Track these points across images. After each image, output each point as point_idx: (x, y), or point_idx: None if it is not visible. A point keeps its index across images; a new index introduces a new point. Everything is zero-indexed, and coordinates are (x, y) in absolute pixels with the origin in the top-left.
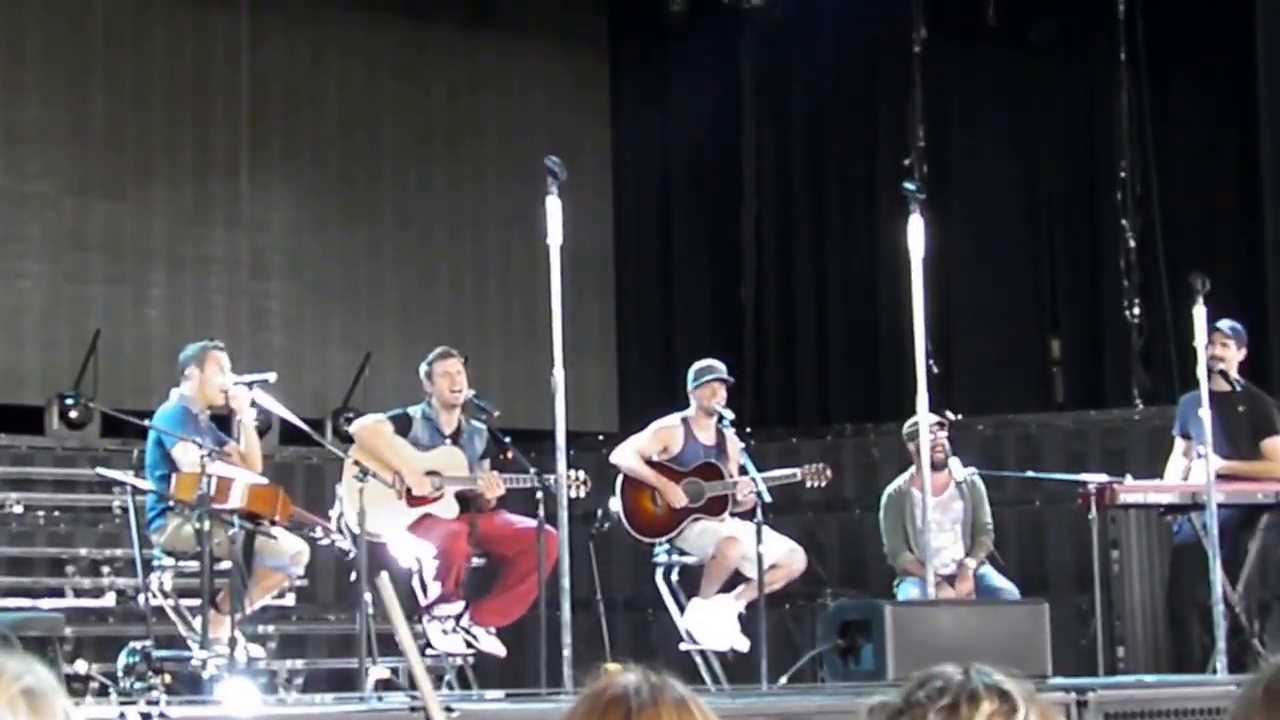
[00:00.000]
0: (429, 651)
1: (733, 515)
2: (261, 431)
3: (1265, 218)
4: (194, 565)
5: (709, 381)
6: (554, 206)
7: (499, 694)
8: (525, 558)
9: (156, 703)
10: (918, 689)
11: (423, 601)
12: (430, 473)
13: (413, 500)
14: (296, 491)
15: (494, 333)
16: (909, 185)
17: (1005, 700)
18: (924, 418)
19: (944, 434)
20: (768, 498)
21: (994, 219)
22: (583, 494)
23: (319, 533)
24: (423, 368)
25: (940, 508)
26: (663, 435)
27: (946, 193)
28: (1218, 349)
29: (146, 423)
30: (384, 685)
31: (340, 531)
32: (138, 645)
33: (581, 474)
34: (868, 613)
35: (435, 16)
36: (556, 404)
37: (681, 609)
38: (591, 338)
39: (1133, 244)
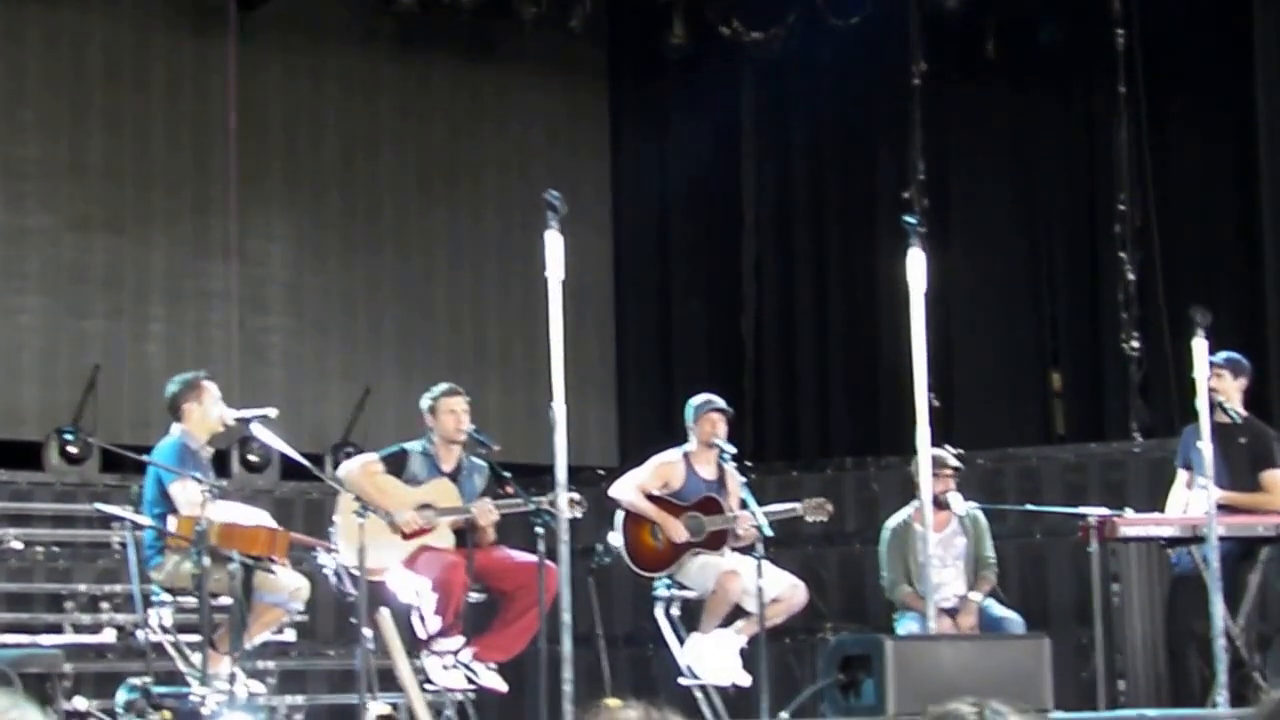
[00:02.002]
0: (429, 687)
1: (733, 550)
2: (261, 467)
3: (1265, 250)
4: (193, 601)
5: (706, 413)
6: (554, 241)
7: None
8: (525, 593)
9: None
10: None
11: (422, 636)
12: (423, 506)
13: (407, 534)
14: (297, 526)
15: (493, 367)
16: (909, 219)
17: None
18: (924, 451)
19: (953, 477)
20: (768, 532)
21: (994, 253)
22: (579, 514)
23: (320, 554)
24: (425, 402)
25: (943, 544)
26: (663, 470)
27: (946, 226)
28: (1213, 380)
29: (145, 458)
30: None
31: (335, 556)
32: (137, 681)
33: (576, 494)
34: (868, 647)
35: (434, 50)
36: (556, 438)
37: (682, 644)
38: (591, 372)
39: (1132, 277)
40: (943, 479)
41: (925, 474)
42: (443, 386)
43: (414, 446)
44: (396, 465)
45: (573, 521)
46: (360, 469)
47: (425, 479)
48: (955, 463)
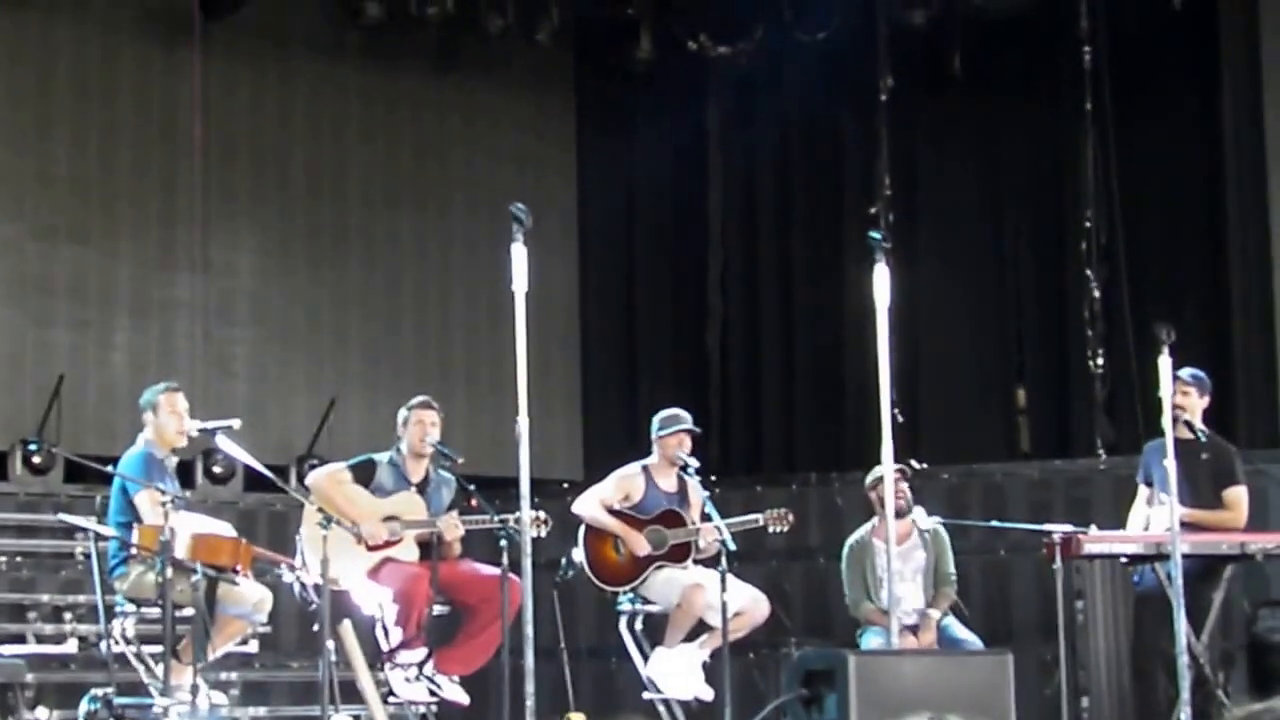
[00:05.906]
0: (392, 699)
1: (696, 563)
2: (225, 479)
3: (1230, 268)
4: (156, 612)
5: (677, 432)
6: (519, 254)
7: None
8: (488, 605)
9: None
10: None
11: (385, 648)
12: (389, 518)
13: (372, 545)
14: (260, 538)
15: (459, 379)
16: (875, 234)
17: None
18: (889, 467)
19: (906, 484)
20: (732, 546)
21: (959, 268)
22: (543, 533)
23: (284, 570)
24: (402, 412)
25: (901, 556)
26: (624, 484)
27: (912, 242)
28: (1179, 397)
29: (110, 469)
30: None
31: (299, 574)
32: (99, 692)
33: (542, 514)
34: (831, 662)
35: (402, 63)
36: (521, 451)
37: (645, 657)
38: (557, 385)
39: (1098, 294)
40: (896, 488)
41: (889, 489)
42: (419, 398)
43: (382, 457)
44: (364, 475)
45: (537, 535)
46: (328, 478)
47: (392, 489)
48: (899, 467)
